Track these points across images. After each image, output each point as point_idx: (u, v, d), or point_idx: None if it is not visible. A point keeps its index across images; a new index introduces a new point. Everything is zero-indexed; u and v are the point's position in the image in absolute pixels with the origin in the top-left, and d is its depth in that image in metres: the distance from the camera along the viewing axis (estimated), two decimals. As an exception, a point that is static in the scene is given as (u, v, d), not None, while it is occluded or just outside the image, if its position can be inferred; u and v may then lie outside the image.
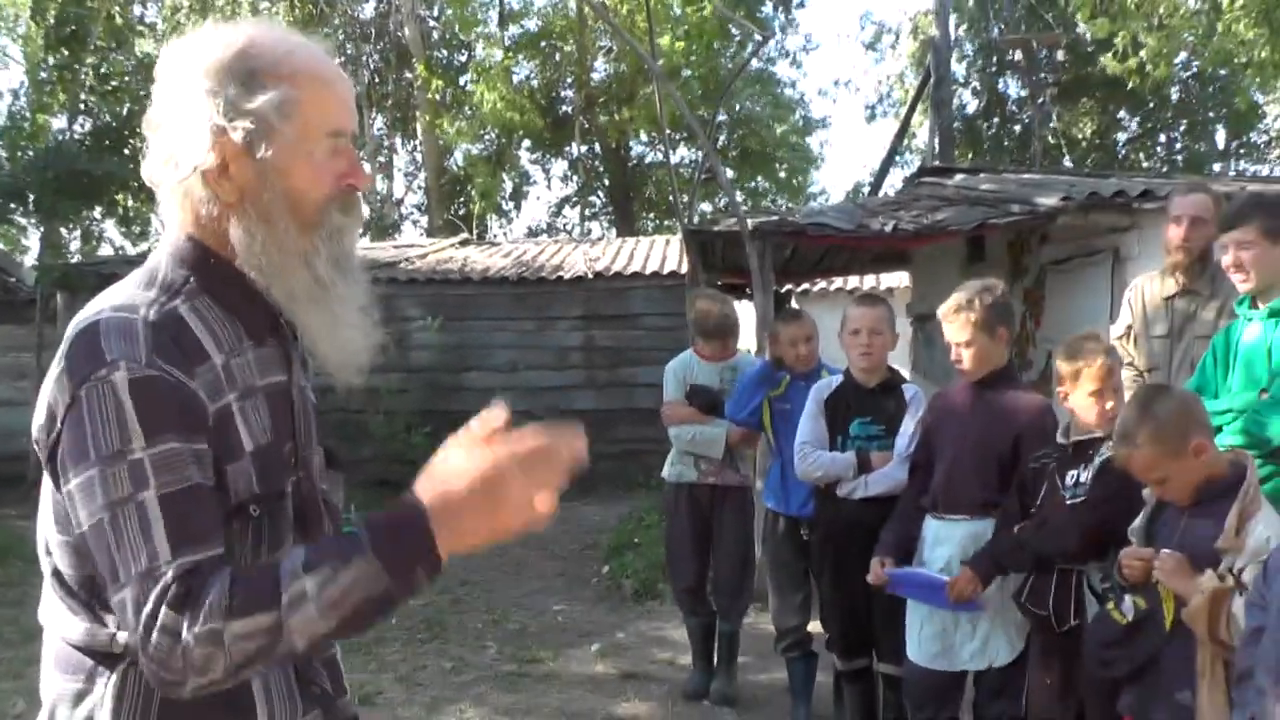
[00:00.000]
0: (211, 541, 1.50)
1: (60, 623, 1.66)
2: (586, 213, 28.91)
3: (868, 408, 4.87)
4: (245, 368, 1.67)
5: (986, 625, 4.16)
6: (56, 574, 1.65)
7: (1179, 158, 26.69)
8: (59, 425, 1.53)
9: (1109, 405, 3.84)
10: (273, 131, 1.62)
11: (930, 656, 4.27)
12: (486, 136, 24.45)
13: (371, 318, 1.78)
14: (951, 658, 4.24)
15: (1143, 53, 15.56)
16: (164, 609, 1.43)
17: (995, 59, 25.38)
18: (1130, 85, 16.87)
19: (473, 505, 1.46)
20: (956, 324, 4.23)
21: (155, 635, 1.43)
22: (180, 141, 1.63)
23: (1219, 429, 3.84)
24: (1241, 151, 27.27)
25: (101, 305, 1.60)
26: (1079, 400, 3.91)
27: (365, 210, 1.83)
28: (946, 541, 4.26)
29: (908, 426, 4.71)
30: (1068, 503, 3.85)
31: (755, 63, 22.64)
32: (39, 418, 1.57)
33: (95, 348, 1.52)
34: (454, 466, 1.47)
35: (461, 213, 26.01)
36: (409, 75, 25.11)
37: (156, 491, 1.48)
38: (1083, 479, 3.84)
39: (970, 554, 4.15)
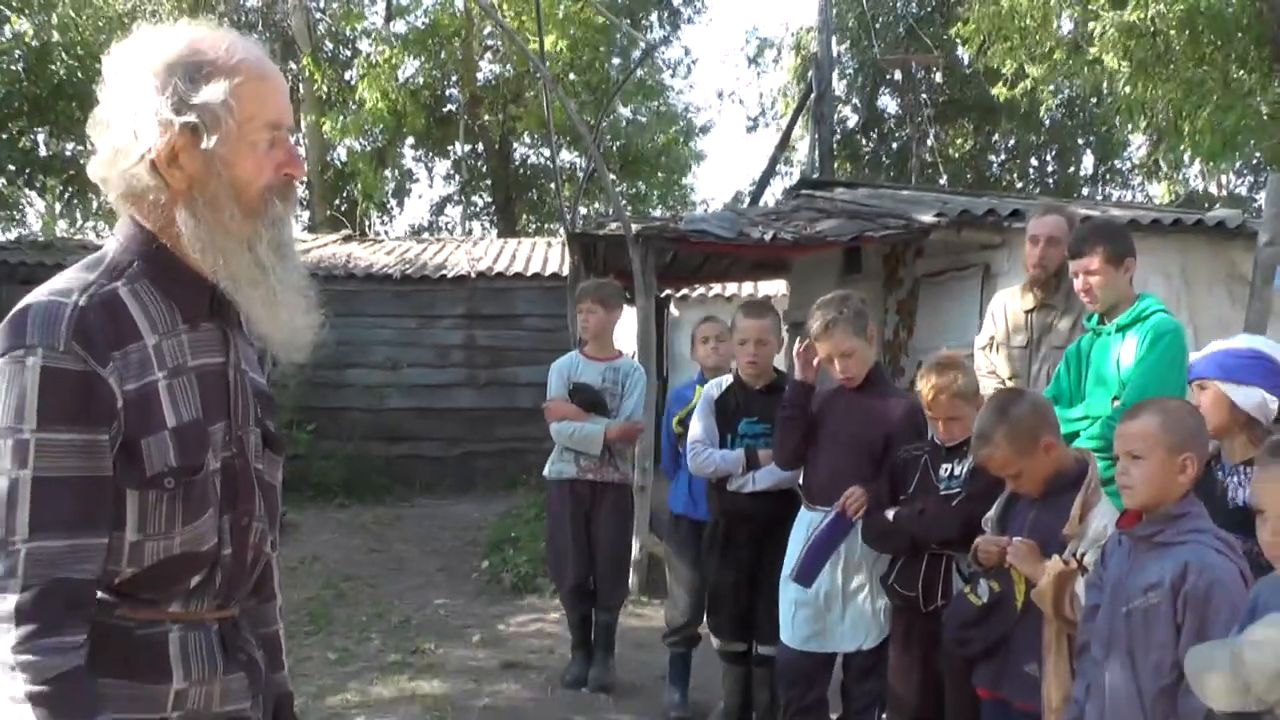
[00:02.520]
0: (75, 530, 1.65)
1: None
2: (468, 212, 28.90)
3: (755, 408, 5.15)
4: (177, 348, 1.79)
5: (855, 610, 4.45)
6: None
7: (1050, 180, 27.71)
8: None
9: (950, 424, 4.18)
10: (218, 123, 1.74)
11: (803, 639, 4.53)
12: (370, 133, 24.31)
13: (309, 299, 1.91)
14: (823, 640, 4.52)
15: (1027, 81, 16.24)
16: (12, 602, 1.60)
17: (875, 77, 26.05)
18: (1024, 110, 17.56)
19: None
20: (835, 337, 4.48)
21: None
22: (128, 134, 1.75)
23: (1076, 434, 4.22)
24: (1108, 176, 28.39)
25: (44, 289, 1.73)
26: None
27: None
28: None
29: None
30: (942, 493, 4.14)
31: (639, 72, 22.90)
32: None
33: (21, 329, 1.66)
34: None
35: (343, 209, 25.83)
36: (293, 67, 24.86)
37: (33, 473, 1.62)
38: (958, 472, 4.14)
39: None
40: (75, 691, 1.62)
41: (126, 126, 1.75)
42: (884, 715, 4.54)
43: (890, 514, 4.24)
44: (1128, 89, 14.50)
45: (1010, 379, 5.16)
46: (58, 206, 20.82)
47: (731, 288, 17.83)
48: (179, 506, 1.76)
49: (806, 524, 4.59)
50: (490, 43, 23.91)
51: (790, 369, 5.28)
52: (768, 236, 8.77)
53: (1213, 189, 25.85)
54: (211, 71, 1.75)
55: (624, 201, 24.93)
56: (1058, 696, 3.36)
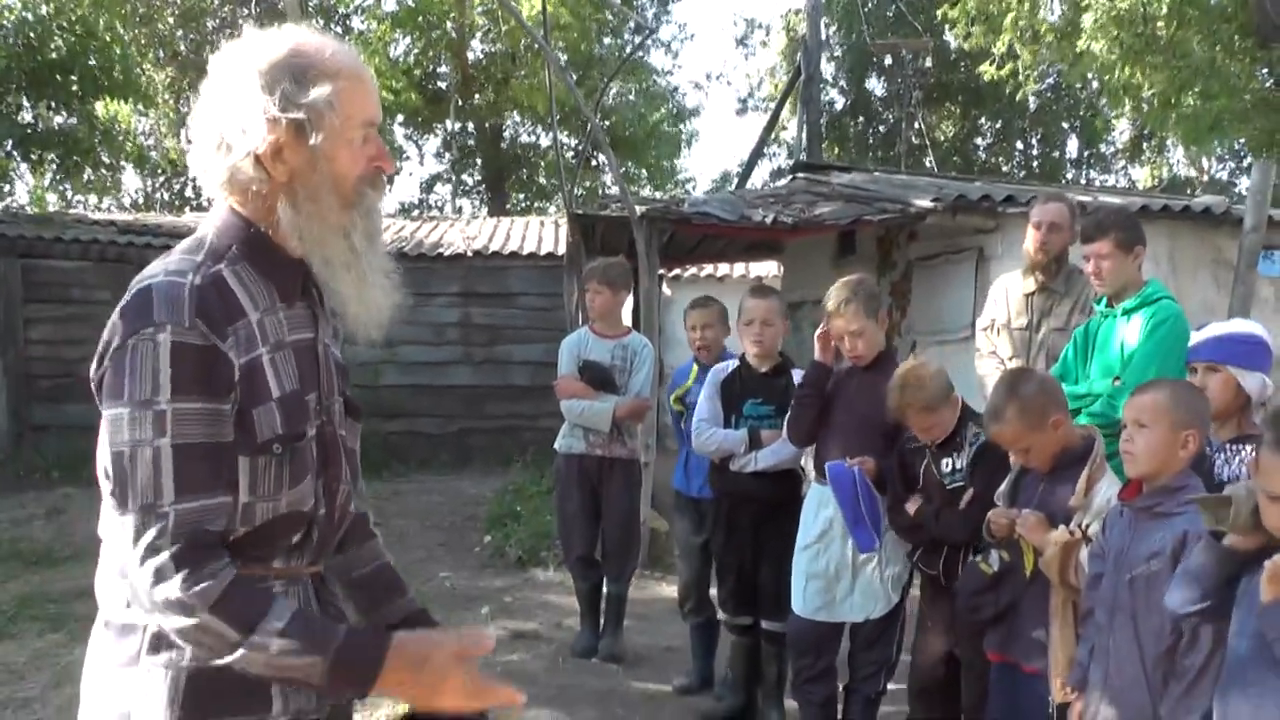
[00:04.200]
0: (211, 491, 1.82)
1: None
2: (459, 190, 29.02)
3: (760, 390, 5.29)
4: (277, 325, 1.96)
5: (864, 581, 4.65)
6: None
7: (1035, 164, 27.96)
8: (106, 364, 1.83)
9: (928, 431, 4.39)
10: (323, 121, 1.91)
11: (814, 610, 4.73)
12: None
13: (394, 281, 2.08)
14: (833, 610, 4.71)
15: (1018, 62, 16.45)
16: (166, 555, 1.76)
17: (863, 60, 26.20)
18: (1009, 91, 17.75)
19: (418, 682, 1.88)
20: (846, 316, 4.65)
21: (150, 566, 1.76)
22: (236, 130, 1.91)
23: (1079, 411, 4.44)
24: (1092, 160, 28.67)
25: (157, 270, 1.89)
26: None
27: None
28: (830, 505, 4.70)
29: None
30: (948, 487, 4.34)
31: (630, 51, 23.03)
32: (95, 361, 1.87)
33: (148, 307, 1.81)
34: (434, 652, 1.89)
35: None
36: (284, 43, 24.75)
37: (171, 440, 1.78)
38: (958, 465, 4.35)
39: None
40: (247, 594, 1.80)
41: (234, 123, 1.90)
42: (889, 682, 4.76)
43: (911, 509, 4.44)
44: (1116, 74, 14.70)
45: (1011, 359, 5.36)
46: (46, 179, 20.84)
47: (724, 268, 18.02)
48: (285, 470, 1.93)
49: (817, 500, 4.78)
50: (482, 23, 23.96)
51: (794, 351, 5.49)
52: (769, 219, 8.97)
53: (1195, 174, 26.13)
54: (317, 74, 1.92)
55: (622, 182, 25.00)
56: (1063, 659, 3.59)
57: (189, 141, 2.01)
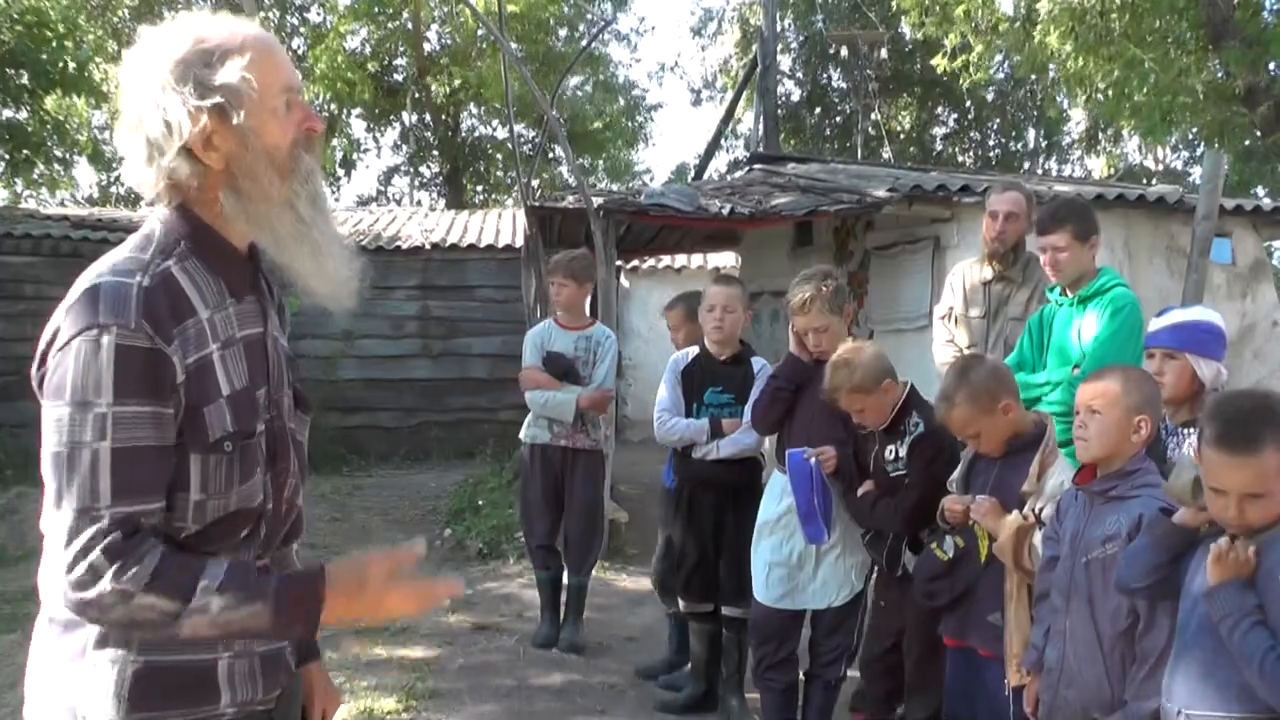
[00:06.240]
0: (149, 495, 1.80)
1: None
2: (416, 183, 28.87)
3: (720, 378, 5.34)
4: (227, 321, 1.94)
5: (827, 569, 4.68)
6: None
7: (993, 155, 28.11)
8: (47, 363, 1.82)
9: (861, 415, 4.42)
10: (241, 98, 1.88)
11: (776, 597, 4.75)
12: (318, 102, 24.14)
13: (348, 247, 2.06)
14: (796, 598, 4.73)
15: (972, 54, 16.57)
16: (97, 550, 1.74)
17: (819, 51, 26.26)
18: (962, 83, 17.85)
19: (361, 605, 1.90)
20: (811, 313, 4.66)
21: (81, 566, 1.74)
22: (161, 130, 1.88)
23: (1039, 399, 4.49)
24: (1049, 151, 28.86)
25: (104, 268, 1.87)
26: None
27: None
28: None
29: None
30: (891, 475, 4.39)
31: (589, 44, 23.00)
32: (37, 357, 1.85)
33: (93, 307, 1.79)
34: (367, 572, 1.88)
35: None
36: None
37: (111, 444, 1.76)
38: (900, 454, 4.38)
39: None
40: (178, 564, 1.79)
41: (157, 123, 1.87)
42: (848, 669, 4.80)
43: (860, 493, 4.49)
44: (1070, 65, 14.83)
45: (969, 348, 5.40)
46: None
47: (682, 260, 18.02)
48: (236, 468, 1.91)
49: (780, 487, 4.80)
50: (437, 13, 23.82)
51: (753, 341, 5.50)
52: (725, 210, 8.99)
53: (1150, 163, 26.38)
54: (223, 54, 1.88)
55: (580, 174, 24.97)
56: (1018, 642, 3.63)
57: (121, 158, 1.97)
